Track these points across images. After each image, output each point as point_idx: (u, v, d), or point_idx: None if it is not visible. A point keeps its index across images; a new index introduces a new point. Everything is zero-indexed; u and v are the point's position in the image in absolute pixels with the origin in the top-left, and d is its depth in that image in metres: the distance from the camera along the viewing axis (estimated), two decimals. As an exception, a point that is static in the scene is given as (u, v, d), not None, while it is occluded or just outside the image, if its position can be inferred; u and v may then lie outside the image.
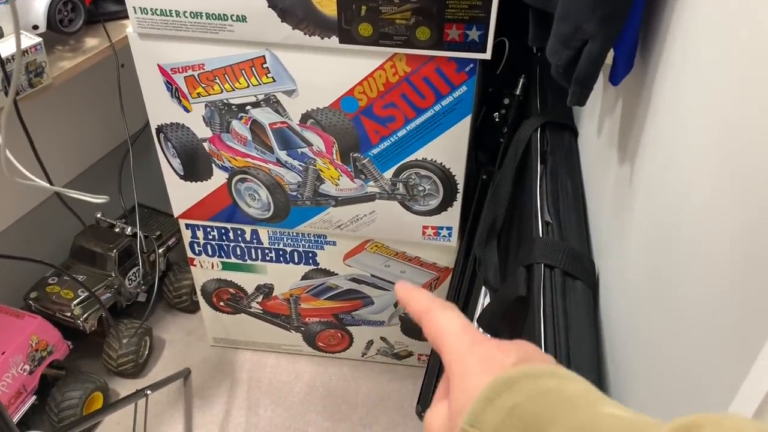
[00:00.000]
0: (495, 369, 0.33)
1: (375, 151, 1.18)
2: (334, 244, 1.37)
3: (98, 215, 1.59)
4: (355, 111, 1.13)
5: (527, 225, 0.93)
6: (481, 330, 1.07)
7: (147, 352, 1.58)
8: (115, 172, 1.50)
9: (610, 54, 0.71)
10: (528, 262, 0.83)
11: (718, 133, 0.48)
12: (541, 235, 0.86)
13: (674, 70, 0.61)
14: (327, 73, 1.09)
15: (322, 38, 1.04)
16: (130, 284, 1.56)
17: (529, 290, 0.81)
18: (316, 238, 1.37)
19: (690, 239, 0.52)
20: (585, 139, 1.03)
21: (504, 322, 0.94)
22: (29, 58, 1.09)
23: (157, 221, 1.71)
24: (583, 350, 0.73)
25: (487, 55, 1.02)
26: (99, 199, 0.80)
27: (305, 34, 1.04)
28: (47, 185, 0.85)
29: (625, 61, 0.70)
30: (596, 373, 0.71)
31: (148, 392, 1.32)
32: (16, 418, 1.33)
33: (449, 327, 0.37)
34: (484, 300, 1.26)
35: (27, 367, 1.34)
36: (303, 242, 1.38)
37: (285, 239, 1.38)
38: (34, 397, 1.37)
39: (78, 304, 1.45)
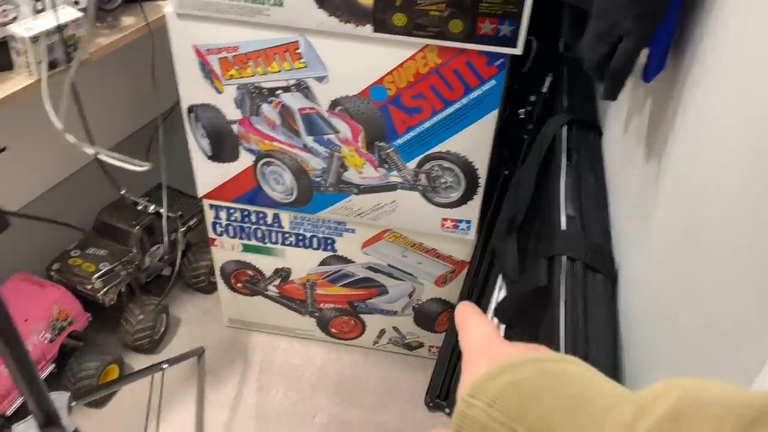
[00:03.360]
0: (502, 357, 0.35)
1: (400, 141, 1.20)
2: (353, 231, 1.40)
3: (123, 192, 1.62)
4: (383, 100, 1.15)
5: (549, 219, 0.94)
6: (496, 321, 1.09)
7: (163, 328, 1.61)
8: (141, 150, 1.53)
9: (644, 51, 0.72)
10: (550, 253, 0.85)
11: (749, 135, 0.50)
12: (564, 228, 0.88)
13: (707, 70, 0.63)
14: (359, 61, 1.11)
15: (357, 26, 1.06)
16: (150, 261, 1.59)
17: (550, 281, 0.83)
18: (336, 225, 1.39)
19: (716, 237, 0.54)
20: (609, 137, 1.04)
21: (522, 313, 0.96)
22: (69, 32, 1.11)
23: (179, 202, 1.73)
24: (601, 340, 0.75)
25: (519, 50, 1.03)
26: (142, 167, 0.83)
27: (340, 21, 1.06)
28: (97, 148, 0.87)
29: (659, 59, 0.71)
30: (613, 362, 0.73)
31: (165, 366, 1.34)
32: (34, 385, 1.36)
33: (475, 330, 0.40)
34: (498, 294, 1.28)
35: (48, 335, 1.37)
36: (323, 228, 1.40)
37: (305, 224, 1.41)
38: (53, 365, 1.40)
39: (99, 277, 1.48)
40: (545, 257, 0.86)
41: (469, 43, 1.04)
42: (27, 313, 1.34)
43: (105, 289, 1.48)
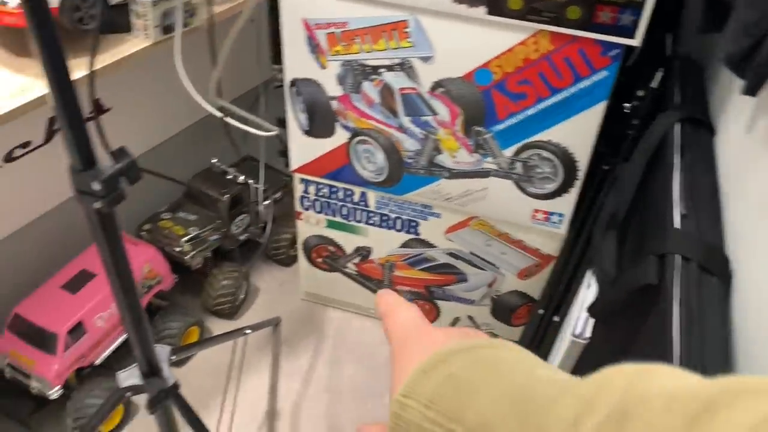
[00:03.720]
0: (435, 346, 0.33)
1: (499, 126, 1.18)
2: (438, 216, 1.39)
3: (214, 161, 1.66)
4: (487, 84, 1.14)
5: (658, 217, 0.92)
6: (588, 317, 1.07)
7: (243, 296, 1.65)
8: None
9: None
10: (661, 251, 0.82)
11: None
12: (678, 227, 0.85)
13: None
14: (467, 43, 1.10)
15: (470, 7, 1.05)
16: (235, 230, 1.63)
17: (660, 279, 0.80)
18: (422, 208, 1.39)
19: None
20: (725, 136, 1.00)
21: (621, 310, 0.93)
22: (186, -1, 1.14)
23: (265, 174, 1.76)
24: (716, 344, 0.72)
25: (637, 42, 1.00)
26: (270, 132, 0.84)
27: (453, 1, 1.05)
28: (222, 102, 0.89)
29: (809, 55, 0.67)
30: (728, 368, 0.70)
31: (248, 332, 1.38)
32: (120, 340, 1.42)
33: (403, 317, 0.38)
34: (587, 293, 1.25)
35: (138, 292, 1.42)
36: (408, 210, 1.40)
37: (391, 205, 1.41)
38: (140, 321, 1.46)
39: (187, 241, 1.53)
40: (655, 255, 0.83)
41: (585, 31, 1.01)
42: (121, 268, 1.40)
43: (192, 253, 1.53)
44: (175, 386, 0.88)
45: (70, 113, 0.60)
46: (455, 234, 1.41)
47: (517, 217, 1.31)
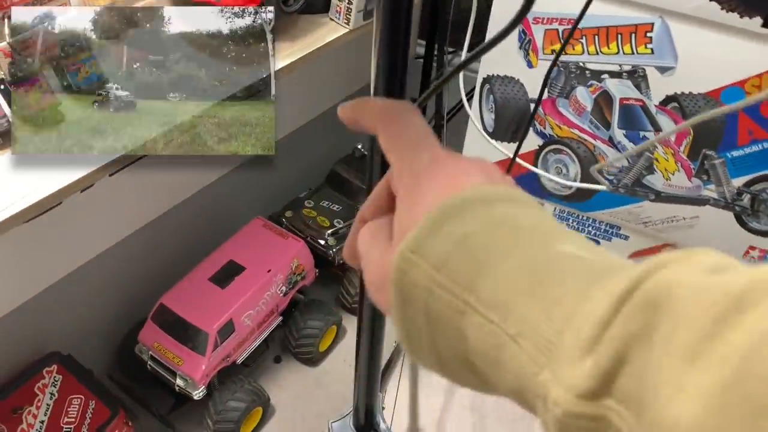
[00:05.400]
0: (450, 188, 0.28)
1: (736, 153, 1.02)
2: (625, 238, 1.24)
3: (358, 146, 1.54)
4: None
5: None
6: None
7: (381, 296, 1.54)
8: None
9: None
10: None
11: None
12: None
13: None
14: (722, 56, 0.93)
15: (742, 17, 0.88)
16: (378, 224, 1.51)
17: None
18: (607, 228, 1.24)
19: None
20: None
21: None
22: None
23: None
24: None
25: None
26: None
27: (723, 8, 0.88)
28: None
29: None
30: None
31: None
32: (262, 336, 1.33)
33: (411, 133, 0.31)
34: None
35: (284, 288, 1.33)
36: (590, 228, 1.26)
37: (571, 220, 1.26)
38: (280, 318, 1.37)
39: (332, 234, 1.42)
40: None
41: None
42: (271, 263, 1.30)
43: (337, 248, 1.42)
44: (392, 445, 0.77)
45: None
46: (641, 260, 1.26)
47: (726, 251, 1.15)
